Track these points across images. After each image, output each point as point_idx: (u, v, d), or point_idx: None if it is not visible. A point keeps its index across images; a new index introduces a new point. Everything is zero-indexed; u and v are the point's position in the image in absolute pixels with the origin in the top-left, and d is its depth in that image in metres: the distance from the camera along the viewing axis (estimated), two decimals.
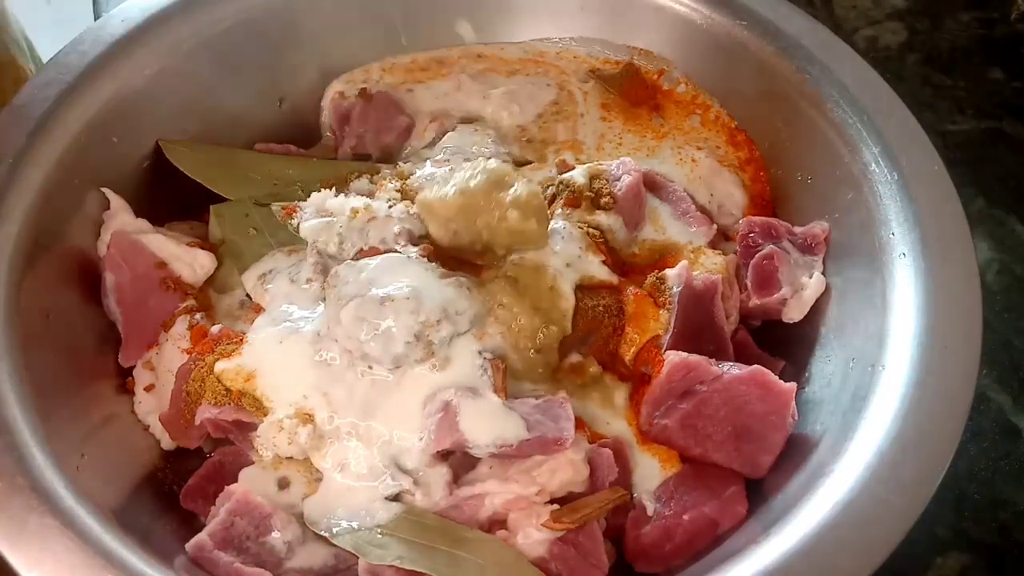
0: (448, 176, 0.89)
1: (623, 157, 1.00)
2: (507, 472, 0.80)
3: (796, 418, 0.82)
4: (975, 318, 0.79)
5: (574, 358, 0.89)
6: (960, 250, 0.83)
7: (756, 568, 0.68)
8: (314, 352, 0.83)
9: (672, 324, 0.87)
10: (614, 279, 0.91)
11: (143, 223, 0.94)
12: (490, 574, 0.73)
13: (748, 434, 0.82)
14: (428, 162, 1.01)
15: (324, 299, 0.86)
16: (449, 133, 1.05)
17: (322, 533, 0.78)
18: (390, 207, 0.91)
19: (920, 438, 0.73)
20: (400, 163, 1.03)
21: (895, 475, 0.71)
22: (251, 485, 0.80)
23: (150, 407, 0.89)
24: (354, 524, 0.78)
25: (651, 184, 1.00)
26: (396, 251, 0.88)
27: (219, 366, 0.83)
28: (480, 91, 1.10)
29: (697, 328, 0.89)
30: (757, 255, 0.94)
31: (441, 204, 0.85)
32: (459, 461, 0.81)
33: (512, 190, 0.85)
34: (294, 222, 0.94)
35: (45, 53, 0.96)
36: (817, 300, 0.93)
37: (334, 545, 0.77)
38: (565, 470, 0.79)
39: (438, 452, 0.79)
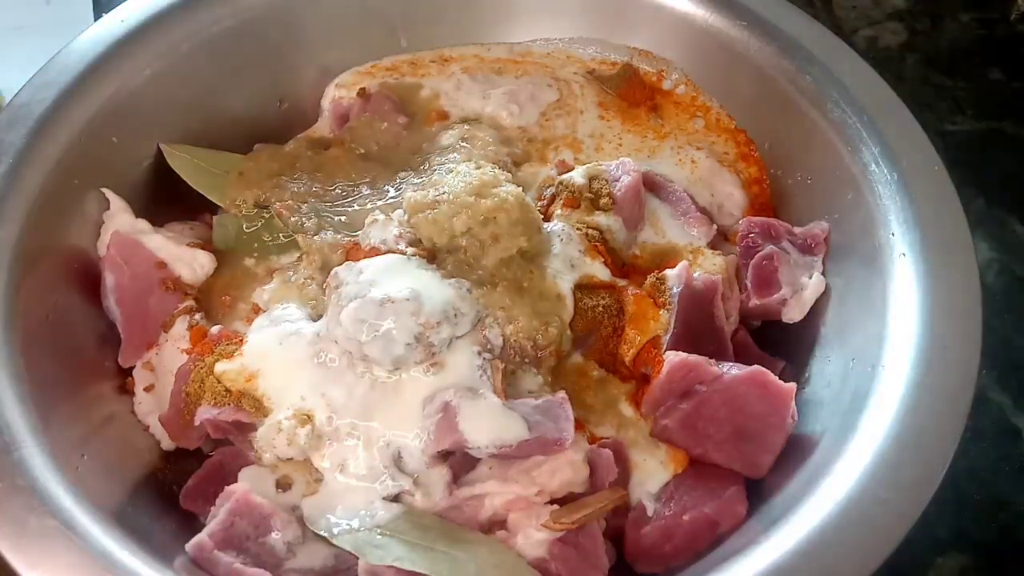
0: (432, 193, 0.89)
1: (623, 157, 1.00)
2: (507, 473, 0.80)
3: (796, 418, 0.82)
4: (975, 318, 0.79)
5: (575, 359, 0.90)
6: (960, 250, 0.83)
7: (756, 568, 0.68)
8: (314, 353, 0.83)
9: (672, 324, 0.87)
10: (616, 282, 0.91)
11: (143, 223, 0.94)
12: (489, 574, 0.73)
13: (748, 434, 0.82)
14: (427, 162, 1.02)
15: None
16: (449, 132, 1.05)
17: (322, 533, 0.78)
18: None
19: (920, 438, 0.73)
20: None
21: (895, 475, 0.71)
22: (251, 485, 0.80)
23: (150, 407, 0.89)
24: (354, 524, 0.77)
25: (651, 184, 1.00)
26: (396, 252, 0.88)
27: (219, 367, 0.83)
28: (480, 91, 1.10)
29: (697, 328, 0.89)
30: (757, 255, 0.94)
31: (428, 234, 0.87)
32: (459, 462, 0.81)
33: (493, 222, 0.86)
34: (293, 220, 0.95)
35: (45, 53, 0.96)
36: (817, 300, 0.93)
37: (334, 545, 0.77)
38: (565, 470, 0.79)
39: (438, 453, 0.79)
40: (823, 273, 0.94)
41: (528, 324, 0.84)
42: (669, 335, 0.87)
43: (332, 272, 0.86)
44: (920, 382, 0.76)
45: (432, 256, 0.88)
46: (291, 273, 0.93)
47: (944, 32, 1.50)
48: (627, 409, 0.88)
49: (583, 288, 0.89)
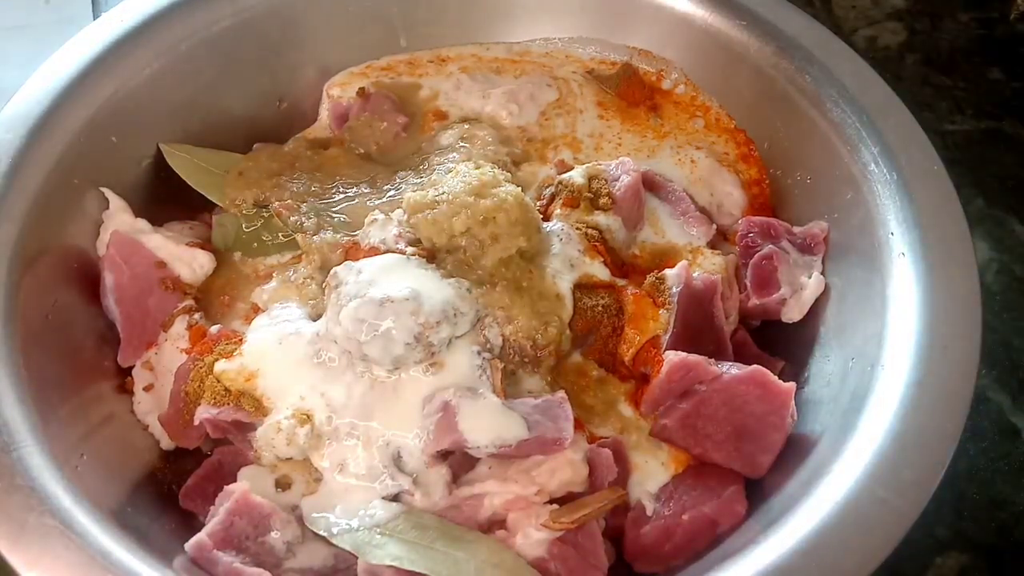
0: (431, 193, 0.89)
1: (622, 157, 1.00)
2: (506, 472, 0.80)
3: (795, 418, 0.82)
4: (974, 318, 0.79)
5: (575, 359, 0.90)
6: (959, 250, 0.83)
7: (755, 568, 0.68)
8: (313, 352, 0.83)
9: (671, 324, 0.87)
10: (615, 281, 0.91)
11: (142, 223, 0.94)
12: (488, 574, 0.73)
13: (747, 434, 0.82)
14: (426, 161, 1.02)
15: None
16: (448, 132, 1.05)
17: (321, 533, 0.78)
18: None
19: (919, 438, 0.73)
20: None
21: (894, 475, 0.71)
22: (250, 485, 0.80)
23: (149, 407, 0.89)
24: (353, 524, 0.77)
25: (650, 184, 1.00)
26: (395, 251, 0.88)
27: (219, 366, 0.83)
28: (480, 90, 1.10)
29: (696, 328, 0.89)
30: (756, 255, 0.94)
31: (427, 235, 0.87)
32: (458, 461, 0.81)
33: (493, 222, 0.86)
34: (292, 219, 0.95)
35: (44, 53, 0.96)
36: (816, 300, 0.93)
37: (333, 545, 0.77)
38: (564, 470, 0.79)
39: (437, 452, 0.79)
40: (822, 273, 0.94)
41: (527, 324, 0.84)
42: (668, 335, 0.87)
43: (331, 272, 0.86)
44: (919, 382, 0.76)
45: (432, 256, 0.88)
46: (290, 272, 0.93)
47: (943, 32, 1.50)
48: (626, 409, 0.88)
49: (582, 288, 0.89)
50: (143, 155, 1.00)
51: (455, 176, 0.90)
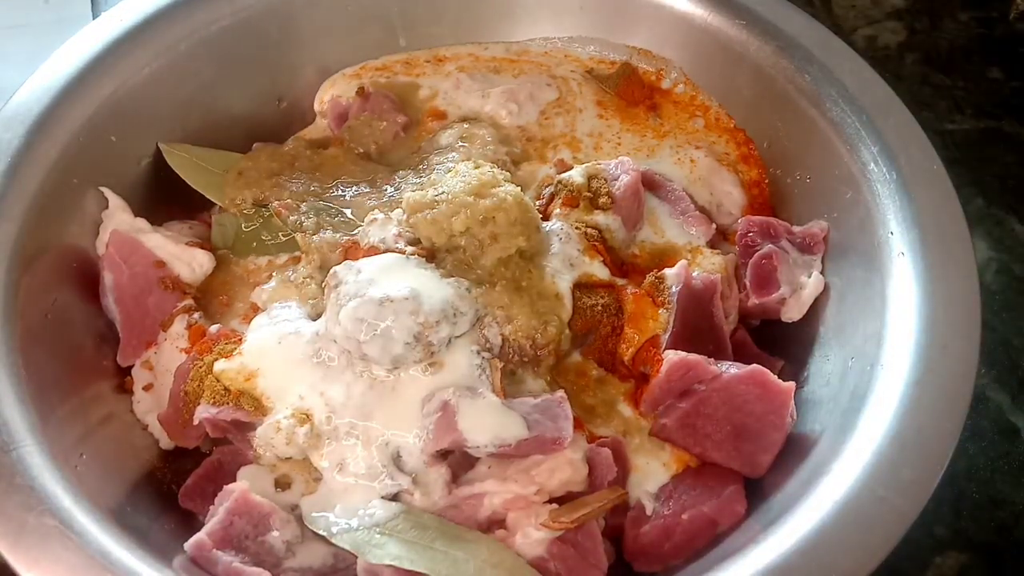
0: (431, 192, 0.89)
1: (621, 156, 1.00)
2: (506, 472, 0.80)
3: (795, 417, 0.82)
4: (974, 317, 0.79)
5: (574, 358, 0.90)
6: (959, 249, 0.84)
7: (755, 567, 0.68)
8: (313, 352, 0.83)
9: (671, 324, 0.87)
10: (615, 281, 0.91)
11: (141, 222, 0.94)
12: (488, 574, 0.73)
13: (747, 433, 0.82)
14: (425, 161, 1.02)
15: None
16: (447, 131, 1.05)
17: (320, 532, 0.78)
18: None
19: (919, 437, 0.73)
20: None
21: (894, 474, 0.71)
22: (250, 484, 0.80)
23: (148, 406, 0.89)
24: (353, 523, 0.77)
25: (650, 183, 1.00)
26: (395, 251, 0.88)
27: (218, 366, 0.83)
28: (479, 89, 1.10)
29: (696, 328, 0.89)
30: (756, 254, 0.94)
31: (427, 234, 0.87)
32: (458, 461, 0.81)
33: (492, 222, 0.86)
34: (292, 219, 0.95)
35: (44, 52, 0.96)
36: (816, 299, 0.93)
37: (333, 544, 0.77)
38: (564, 469, 0.79)
39: (437, 452, 0.79)
40: (822, 272, 0.94)
41: (527, 323, 0.84)
42: (668, 334, 0.87)
43: (331, 271, 0.86)
44: (919, 381, 0.76)
45: (431, 255, 0.88)
46: (290, 272, 0.93)
47: (943, 31, 1.50)
48: (626, 409, 0.88)
49: (582, 287, 0.89)
50: (142, 154, 1.00)
51: (455, 176, 0.90)
